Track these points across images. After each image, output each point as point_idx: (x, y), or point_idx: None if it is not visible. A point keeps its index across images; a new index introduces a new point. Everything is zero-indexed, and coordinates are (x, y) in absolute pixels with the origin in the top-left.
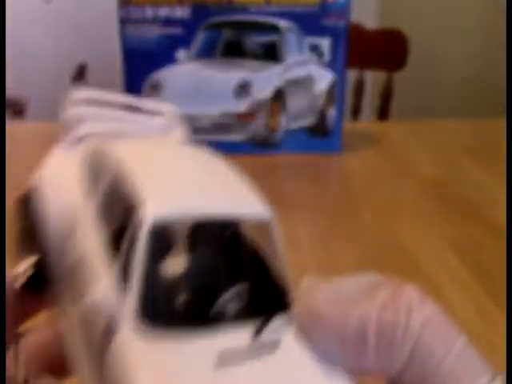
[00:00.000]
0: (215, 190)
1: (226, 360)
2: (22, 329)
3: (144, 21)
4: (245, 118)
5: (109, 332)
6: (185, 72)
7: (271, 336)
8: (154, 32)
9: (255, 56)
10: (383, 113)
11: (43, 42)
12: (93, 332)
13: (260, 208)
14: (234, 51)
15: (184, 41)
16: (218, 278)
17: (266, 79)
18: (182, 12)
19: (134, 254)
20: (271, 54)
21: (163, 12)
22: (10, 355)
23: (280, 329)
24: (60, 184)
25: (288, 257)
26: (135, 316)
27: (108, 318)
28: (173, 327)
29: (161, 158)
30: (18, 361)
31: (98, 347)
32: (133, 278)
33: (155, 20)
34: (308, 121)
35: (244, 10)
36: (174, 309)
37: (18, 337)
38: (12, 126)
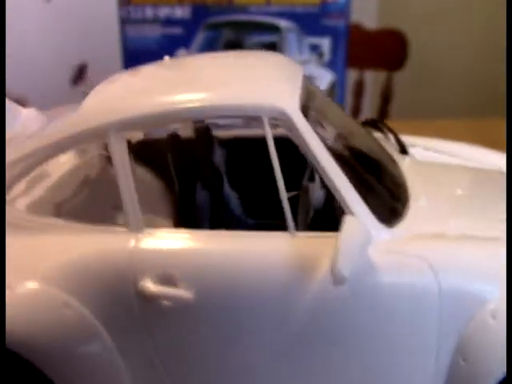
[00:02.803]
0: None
1: None
2: None
3: (144, 21)
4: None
5: None
6: None
7: None
8: (154, 32)
9: None
10: (383, 113)
11: (43, 41)
12: None
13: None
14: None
15: (184, 41)
16: None
17: None
18: (182, 12)
19: None
20: None
21: (163, 12)
22: None
23: None
24: None
25: None
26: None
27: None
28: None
29: None
30: None
31: None
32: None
33: (155, 20)
34: None
35: (244, 10)
36: None
37: None
38: None
